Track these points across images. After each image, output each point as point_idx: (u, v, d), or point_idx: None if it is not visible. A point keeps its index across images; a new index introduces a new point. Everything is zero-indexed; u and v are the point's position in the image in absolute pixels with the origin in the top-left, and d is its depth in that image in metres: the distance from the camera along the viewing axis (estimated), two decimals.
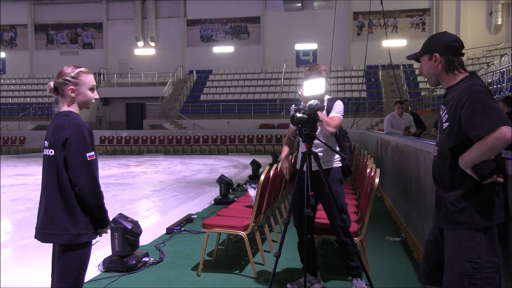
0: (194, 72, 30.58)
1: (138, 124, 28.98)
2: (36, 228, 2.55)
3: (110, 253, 4.50)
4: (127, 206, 8.06)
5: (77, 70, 2.56)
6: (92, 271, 4.42)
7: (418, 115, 10.10)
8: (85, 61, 31.98)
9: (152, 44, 31.99)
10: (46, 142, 2.54)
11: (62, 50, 33.33)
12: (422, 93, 23.66)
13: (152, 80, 30.66)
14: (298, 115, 3.21)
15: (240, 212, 4.80)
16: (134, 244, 4.52)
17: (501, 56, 22.56)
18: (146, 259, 4.55)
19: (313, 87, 3.49)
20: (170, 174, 13.40)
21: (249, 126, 24.08)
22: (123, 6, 32.05)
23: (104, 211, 2.58)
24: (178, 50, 31.47)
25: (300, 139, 3.42)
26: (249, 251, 4.22)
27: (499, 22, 26.40)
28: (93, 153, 2.49)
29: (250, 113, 25.52)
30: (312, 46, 29.45)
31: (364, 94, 25.13)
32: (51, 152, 2.47)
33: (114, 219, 4.44)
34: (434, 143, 2.69)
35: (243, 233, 4.19)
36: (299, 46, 29.91)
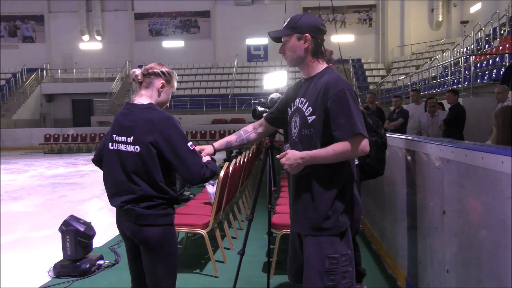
0: (144, 65, 29.79)
1: (85, 121, 27.99)
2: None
3: (62, 258, 4.25)
4: (77, 206, 7.72)
5: (172, 70, 2.53)
6: (42, 277, 4.17)
7: (382, 110, 10.34)
8: (26, 55, 30.62)
9: (99, 38, 30.95)
10: (124, 137, 2.35)
11: (0, 43, 31.51)
12: (371, 87, 24.21)
13: (99, 76, 29.69)
14: (260, 109, 3.12)
15: (199, 209, 4.67)
16: (87, 246, 4.30)
17: (443, 51, 23.46)
18: (100, 262, 4.34)
19: (275, 80, 3.41)
20: None
21: (202, 121, 23.83)
22: None
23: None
24: (126, 45, 30.63)
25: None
26: (209, 249, 4.11)
27: (440, 19, 27.38)
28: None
29: (202, 109, 25.26)
30: (263, 41, 29.44)
31: None
32: (136, 148, 2.30)
33: (65, 221, 4.20)
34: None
35: (203, 231, 4.07)
36: (250, 41, 29.84)
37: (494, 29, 18.05)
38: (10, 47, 31.47)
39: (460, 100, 9.04)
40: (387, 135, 4.57)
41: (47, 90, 29.39)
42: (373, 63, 28.40)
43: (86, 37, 31.04)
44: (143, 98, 2.43)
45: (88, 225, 4.30)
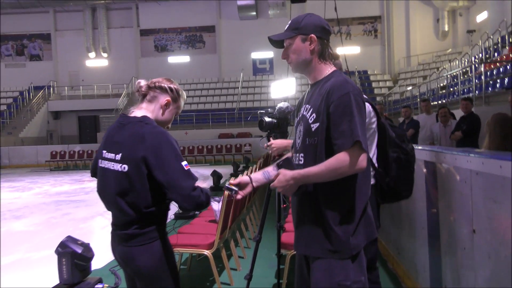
0: None
1: (92, 137, 27.84)
2: None
3: (58, 282, 3.98)
4: (80, 225, 7.47)
5: (181, 89, 2.30)
6: None
7: (391, 121, 10.04)
8: (33, 73, 30.72)
9: (105, 55, 31.02)
10: (113, 154, 2.11)
11: (7, 62, 31.64)
12: (378, 98, 23.94)
13: (105, 92, 29.62)
14: (267, 119, 2.86)
15: (204, 228, 4.40)
16: (86, 269, 3.97)
17: (450, 61, 23.20)
18: (99, 286, 4.01)
19: (282, 88, 3.15)
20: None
21: (208, 136, 23.59)
22: (72, 16, 30.84)
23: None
24: (132, 61, 30.63)
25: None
26: (215, 271, 3.84)
27: (446, 29, 27.14)
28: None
29: (208, 123, 25.04)
30: (268, 54, 29.31)
31: None
32: (124, 167, 2.05)
33: (61, 243, 3.90)
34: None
35: (208, 252, 3.80)
36: (256, 55, 29.74)
37: (503, 37, 17.83)
38: (17, 65, 31.61)
39: (473, 109, 8.75)
40: None
41: (54, 108, 29.35)
42: (379, 75, 28.13)
43: (92, 54, 31.11)
44: (141, 111, 2.18)
45: (86, 247, 3.99)
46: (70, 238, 4.04)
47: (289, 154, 2.29)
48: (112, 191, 2.08)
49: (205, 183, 13.00)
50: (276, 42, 2.14)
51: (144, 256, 2.07)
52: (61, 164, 21.59)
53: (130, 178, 2.02)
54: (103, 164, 2.14)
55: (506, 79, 11.55)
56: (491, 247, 2.25)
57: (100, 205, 8.48)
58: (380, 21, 28.76)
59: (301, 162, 2.05)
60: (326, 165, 1.88)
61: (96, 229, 7.19)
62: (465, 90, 13.39)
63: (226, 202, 3.78)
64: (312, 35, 2.03)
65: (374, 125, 2.90)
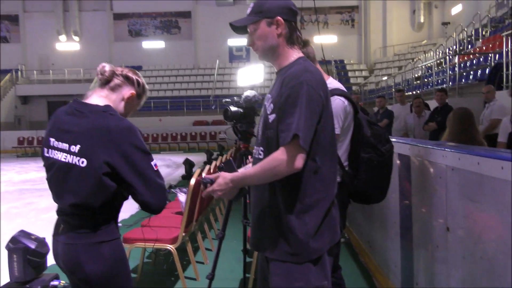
0: (123, 65, 29.06)
1: None
2: None
3: (8, 280, 3.73)
4: (41, 215, 7.12)
5: (146, 86, 2.10)
6: None
7: (366, 111, 9.96)
8: (1, 56, 29.56)
9: (76, 38, 30.10)
10: (66, 144, 1.83)
11: None
12: (354, 87, 23.95)
13: (77, 77, 28.81)
14: (233, 109, 2.67)
15: (169, 220, 4.19)
16: (40, 265, 3.74)
17: (425, 52, 23.34)
18: (55, 282, 3.79)
19: (250, 76, 2.95)
20: None
21: (182, 123, 23.22)
22: None
23: None
24: (104, 45, 29.82)
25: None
26: (179, 267, 3.64)
27: (422, 20, 27.26)
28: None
29: (183, 110, 24.67)
30: (245, 41, 28.42)
31: None
32: (82, 162, 1.78)
33: (12, 237, 3.65)
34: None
35: (171, 247, 3.60)
36: (232, 42, 29.34)
37: (476, 30, 18.02)
38: None
39: (447, 100, 8.73)
40: None
41: (22, 92, 28.35)
42: (356, 64, 28.16)
43: (63, 38, 30.14)
44: (101, 99, 1.91)
45: (40, 242, 3.75)
46: (22, 233, 3.79)
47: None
48: (63, 185, 1.83)
49: (177, 171, 12.76)
50: (240, 29, 1.93)
51: (94, 261, 1.83)
52: (29, 151, 21.01)
53: (87, 175, 1.78)
54: (52, 154, 1.87)
55: (479, 71, 11.61)
56: (465, 247, 2.13)
57: None
58: (357, 10, 28.73)
59: (261, 156, 1.87)
60: (261, 165, 1.73)
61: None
62: (439, 81, 13.43)
63: (191, 195, 3.58)
64: (278, 17, 1.83)
65: (348, 122, 2.65)
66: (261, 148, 1.88)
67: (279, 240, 1.79)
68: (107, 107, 1.87)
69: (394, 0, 27.61)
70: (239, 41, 29.06)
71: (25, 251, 3.62)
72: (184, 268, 4.23)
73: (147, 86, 2.09)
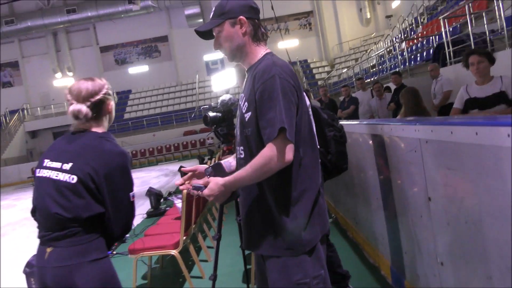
0: (115, 94, 28.60)
1: None
2: None
3: None
4: None
5: (104, 82, 1.85)
6: None
7: (334, 100, 9.82)
8: (6, 99, 28.92)
9: (70, 74, 29.48)
10: (59, 163, 1.62)
11: None
12: (319, 82, 23.83)
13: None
14: (211, 114, 2.43)
15: (169, 227, 3.94)
16: None
17: (375, 43, 23.34)
18: None
19: (223, 80, 2.72)
20: None
21: (174, 135, 22.84)
22: (36, 42, 29.09)
23: None
24: (95, 76, 28.60)
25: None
26: (184, 269, 3.39)
27: (368, 16, 27.27)
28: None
29: (172, 123, 24.29)
30: (219, 55, 28.46)
31: None
32: (72, 178, 1.57)
33: (28, 262, 3.40)
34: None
35: (174, 252, 3.35)
36: (207, 57, 28.74)
37: (416, 18, 18.15)
38: None
39: (403, 81, 8.61)
40: (346, 122, 3.96)
41: (30, 128, 27.80)
42: (318, 62, 28.03)
43: (59, 75, 29.52)
44: (94, 127, 1.72)
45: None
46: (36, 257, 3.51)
47: (228, 161, 1.85)
48: (52, 200, 1.60)
49: (174, 178, 12.46)
50: (206, 34, 1.71)
51: (87, 282, 1.58)
52: None
53: (76, 189, 1.57)
54: (42, 173, 1.65)
55: (425, 53, 11.56)
56: (449, 214, 1.93)
57: None
58: (312, 15, 28.57)
59: (242, 156, 1.65)
60: (251, 165, 1.50)
61: None
62: (392, 66, 13.35)
63: (186, 200, 3.34)
64: (241, 16, 1.61)
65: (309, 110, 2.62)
66: (241, 148, 1.65)
67: (272, 237, 1.57)
68: (105, 133, 1.69)
69: (342, 1, 27.56)
70: (213, 55, 28.66)
71: None
72: (190, 268, 4.00)
73: (106, 82, 1.87)
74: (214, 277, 2.38)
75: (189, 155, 20.65)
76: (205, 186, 1.57)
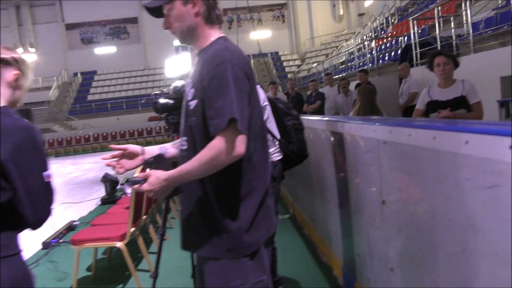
0: (79, 74, 27.59)
1: None
2: None
3: None
4: None
5: (22, 55, 1.54)
6: None
7: (301, 94, 9.73)
8: None
9: (32, 50, 28.13)
10: None
11: None
12: (289, 75, 23.81)
13: (36, 86, 26.96)
14: (161, 101, 2.25)
15: (120, 217, 3.73)
16: None
17: (346, 40, 23.52)
18: None
19: (177, 65, 2.55)
20: (58, 177, 11.50)
21: (139, 120, 22.24)
22: None
23: None
24: (59, 54, 28.03)
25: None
26: (129, 262, 3.20)
27: (341, 13, 27.43)
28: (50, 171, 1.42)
29: (138, 108, 23.66)
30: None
31: None
32: None
33: None
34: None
35: (121, 244, 3.15)
36: (178, 42, 28.15)
37: (387, 19, 18.35)
38: None
39: (369, 79, 8.64)
40: (309, 117, 3.88)
41: None
42: (289, 55, 28.01)
43: (20, 50, 28.03)
44: None
45: None
46: None
47: (165, 148, 1.71)
48: None
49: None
50: (155, 11, 1.53)
51: None
52: None
53: None
54: None
55: (393, 53, 11.68)
56: (402, 220, 1.85)
57: None
58: (286, 7, 28.47)
59: (185, 147, 1.50)
60: (198, 158, 1.35)
61: None
62: (361, 64, 13.44)
63: (135, 192, 3.14)
64: None
65: (266, 102, 2.63)
66: (185, 138, 1.49)
67: (211, 237, 1.43)
68: (3, 107, 1.42)
69: None
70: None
71: None
72: (139, 261, 3.81)
73: (19, 54, 1.57)
74: (155, 275, 2.23)
75: (153, 141, 20.18)
76: (145, 179, 1.40)
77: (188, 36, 1.50)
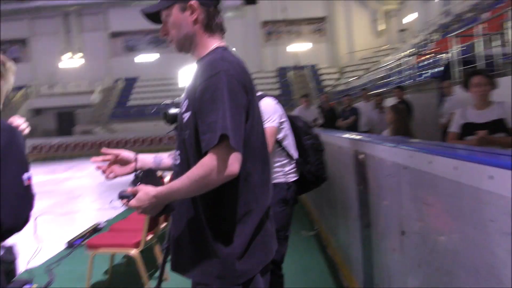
0: (121, 80, 28.50)
1: (69, 131, 26.37)
2: None
3: None
4: (34, 216, 6.54)
5: (7, 60, 1.51)
6: None
7: (334, 109, 9.54)
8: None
9: (78, 55, 29.36)
10: None
11: None
12: (326, 88, 23.56)
13: (81, 89, 28.15)
14: (171, 111, 2.16)
15: (138, 223, 3.67)
16: (9, 272, 3.26)
17: (386, 55, 23.04)
18: (26, 287, 3.31)
19: (191, 74, 2.47)
20: (95, 178, 11.78)
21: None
22: (47, 22, 29.07)
23: None
24: (104, 60, 29.12)
25: None
26: (142, 271, 3.15)
27: (381, 28, 27.01)
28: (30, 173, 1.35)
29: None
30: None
31: (277, 92, 24.62)
32: None
33: None
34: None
35: (135, 251, 3.11)
36: None
37: (429, 35, 17.91)
38: None
39: (407, 96, 8.36)
40: (333, 133, 3.74)
41: (34, 105, 27.89)
42: (327, 68, 27.75)
43: (67, 55, 29.43)
44: None
45: (7, 249, 3.26)
46: None
47: (160, 157, 1.64)
48: None
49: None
50: (153, 17, 1.47)
51: None
52: (40, 156, 20.25)
53: None
54: None
55: (433, 70, 11.30)
56: (421, 255, 1.68)
57: (62, 196, 7.36)
58: (325, 21, 28.30)
59: (177, 162, 1.42)
60: (188, 175, 1.25)
61: (47, 221, 6.26)
62: (400, 80, 13.08)
63: None
64: (192, 1, 1.38)
65: (285, 118, 2.50)
66: (178, 152, 1.41)
67: (201, 261, 1.33)
68: None
69: (356, 10, 27.25)
70: None
71: None
72: (157, 269, 3.76)
73: (8, 61, 1.53)
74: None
75: None
76: (134, 195, 1.33)
77: (186, 44, 1.43)
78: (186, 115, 1.33)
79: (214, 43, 1.42)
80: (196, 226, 1.34)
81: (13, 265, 3.37)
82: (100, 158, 1.56)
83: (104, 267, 3.72)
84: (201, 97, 1.26)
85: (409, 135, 4.01)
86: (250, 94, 1.32)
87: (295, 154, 2.49)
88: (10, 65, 1.51)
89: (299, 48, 24.66)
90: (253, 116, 1.34)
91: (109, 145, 20.92)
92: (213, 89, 1.24)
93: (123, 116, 24.59)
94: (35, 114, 28.38)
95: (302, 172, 2.50)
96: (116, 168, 1.56)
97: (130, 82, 28.55)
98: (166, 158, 1.61)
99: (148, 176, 1.37)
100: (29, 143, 21.41)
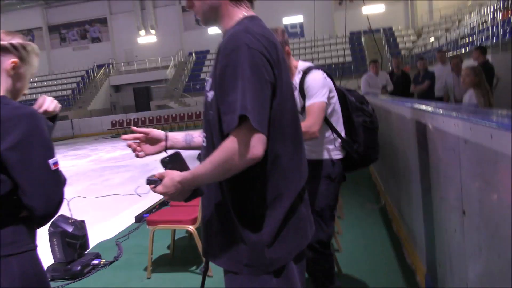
0: (193, 54, 29.19)
1: (145, 106, 27.82)
2: None
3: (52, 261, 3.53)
4: (112, 190, 7.05)
5: (29, 43, 1.46)
6: None
7: (407, 74, 8.86)
8: (95, 54, 31.08)
9: (153, 31, 30.63)
10: None
11: (74, 46, 32.39)
12: (402, 52, 22.18)
13: (155, 65, 29.37)
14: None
15: (198, 198, 3.77)
16: (81, 246, 3.53)
17: (470, 12, 20.96)
18: (95, 261, 3.57)
19: None
20: (168, 152, 12.31)
21: None
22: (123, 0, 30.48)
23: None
24: (176, 35, 30.06)
25: None
26: (200, 247, 3.23)
27: None
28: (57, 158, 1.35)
29: None
30: (298, 18, 27.74)
31: (349, 59, 23.67)
32: None
33: (53, 222, 3.44)
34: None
35: (191, 228, 3.19)
36: (286, 20, 28.12)
37: None
38: (82, 48, 32.12)
39: (489, 57, 7.53)
40: (394, 102, 3.47)
41: (114, 82, 29.80)
42: (403, 30, 25.99)
43: (142, 32, 30.81)
44: None
45: (77, 225, 3.52)
46: (62, 217, 3.55)
47: (191, 135, 1.60)
48: None
49: None
50: None
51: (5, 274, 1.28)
52: (120, 131, 21.68)
53: None
54: None
55: None
56: (483, 239, 1.49)
57: (139, 170, 7.72)
58: None
59: (204, 144, 1.35)
60: (211, 159, 1.17)
61: (125, 195, 6.68)
62: (483, 39, 11.85)
63: None
64: None
65: (334, 93, 2.27)
66: (204, 134, 1.34)
67: (230, 248, 1.27)
68: (1, 98, 1.33)
69: None
70: (292, 18, 27.90)
71: (63, 235, 3.41)
72: None
73: (31, 44, 1.47)
74: (205, 269, 2.15)
75: None
76: (161, 180, 1.30)
77: (212, 16, 1.32)
78: (210, 94, 1.25)
79: (240, 13, 1.31)
80: (224, 212, 1.28)
81: (85, 238, 3.64)
82: (131, 136, 1.55)
83: (168, 241, 3.87)
84: (221, 74, 1.17)
85: (488, 103, 3.63)
86: (277, 68, 1.21)
87: (342, 131, 2.31)
88: (33, 47, 1.49)
89: (373, 10, 23.30)
90: (281, 92, 1.22)
91: (183, 118, 21.72)
92: (233, 64, 1.14)
93: (196, 90, 25.30)
94: (115, 90, 30.26)
95: (349, 151, 2.31)
96: (147, 147, 1.55)
97: (202, 55, 29.13)
98: (197, 136, 1.57)
99: (174, 161, 1.33)
100: (110, 119, 22.94)
